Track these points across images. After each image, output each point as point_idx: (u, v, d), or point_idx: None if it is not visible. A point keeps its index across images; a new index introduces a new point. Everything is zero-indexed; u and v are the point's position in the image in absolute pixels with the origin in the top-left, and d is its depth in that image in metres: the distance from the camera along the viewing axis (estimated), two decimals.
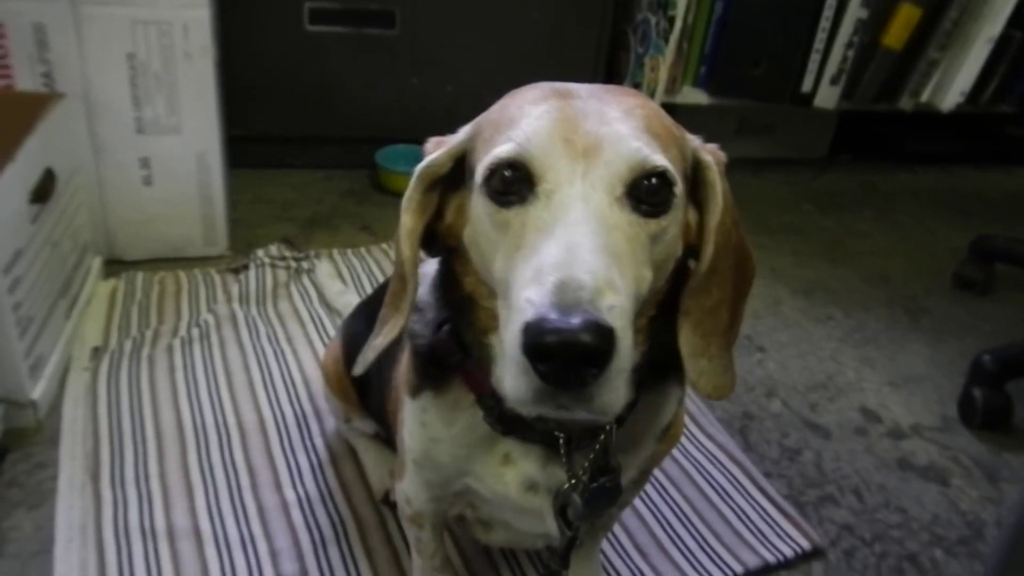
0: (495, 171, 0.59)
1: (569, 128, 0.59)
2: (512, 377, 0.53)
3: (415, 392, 0.78)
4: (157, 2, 1.54)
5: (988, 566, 0.74)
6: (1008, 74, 2.47)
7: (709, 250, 0.66)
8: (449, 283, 0.72)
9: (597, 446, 0.72)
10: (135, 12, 1.54)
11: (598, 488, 0.72)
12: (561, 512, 0.74)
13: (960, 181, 2.75)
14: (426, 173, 0.67)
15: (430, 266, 0.77)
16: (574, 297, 0.50)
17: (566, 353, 0.49)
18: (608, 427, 0.72)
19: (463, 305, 0.70)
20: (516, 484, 0.77)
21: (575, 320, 0.48)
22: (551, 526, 0.77)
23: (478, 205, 0.62)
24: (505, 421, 0.71)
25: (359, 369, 0.76)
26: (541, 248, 0.54)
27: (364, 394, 1.11)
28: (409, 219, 0.67)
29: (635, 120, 0.61)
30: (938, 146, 2.87)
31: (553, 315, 0.49)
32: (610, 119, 0.60)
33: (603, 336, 0.49)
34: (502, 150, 0.59)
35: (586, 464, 0.72)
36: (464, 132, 0.68)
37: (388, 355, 0.94)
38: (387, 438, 1.14)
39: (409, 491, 0.88)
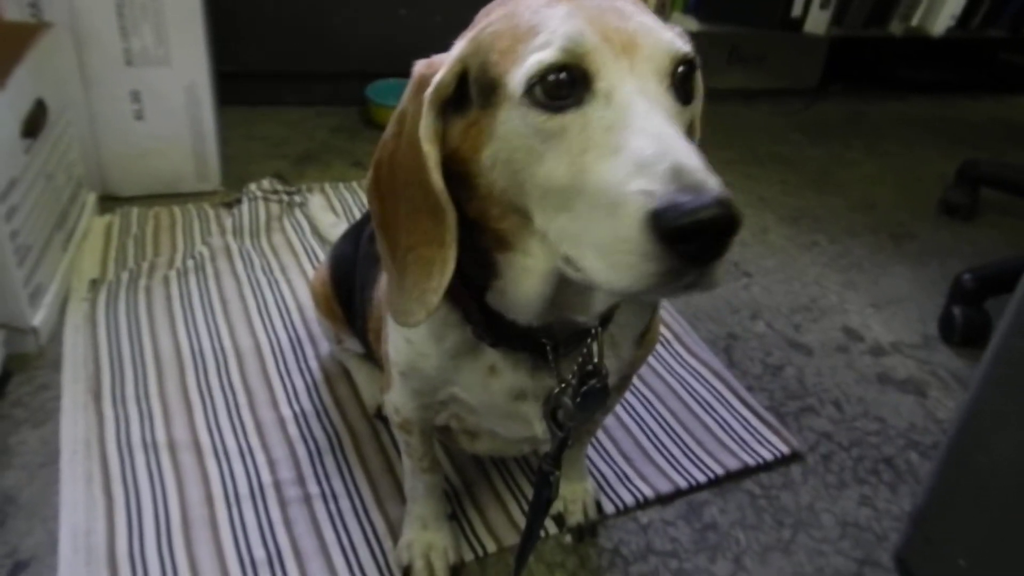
0: (542, 77, 0.57)
1: (602, 26, 0.58)
2: (624, 268, 0.52)
3: None
4: None
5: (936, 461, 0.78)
6: None
7: (697, 137, 0.69)
8: None
9: (585, 350, 0.74)
10: None
11: (588, 390, 0.74)
12: (552, 415, 0.77)
13: (951, 109, 2.75)
14: (436, 96, 0.62)
15: None
16: (693, 179, 0.50)
17: (714, 228, 0.50)
18: (594, 331, 0.74)
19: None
20: (503, 393, 0.79)
21: (709, 197, 0.49)
22: (539, 430, 0.80)
23: (514, 118, 0.59)
24: (494, 332, 0.73)
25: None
26: (628, 143, 0.54)
27: (350, 314, 1.14)
28: (431, 148, 0.62)
29: (647, 13, 0.62)
30: (930, 74, 2.86)
31: (686, 197, 0.49)
32: (629, 14, 0.60)
33: (734, 208, 0.50)
34: (546, 55, 0.56)
35: (575, 367, 0.74)
36: (461, 48, 0.63)
37: (367, 276, 0.97)
38: (370, 355, 1.16)
39: (397, 400, 0.91)
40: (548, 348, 0.73)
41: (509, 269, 0.66)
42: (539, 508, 0.82)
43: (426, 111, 0.62)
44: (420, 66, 0.66)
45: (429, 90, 0.62)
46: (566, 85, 0.57)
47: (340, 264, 1.15)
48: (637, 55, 0.57)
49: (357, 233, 1.07)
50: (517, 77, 0.57)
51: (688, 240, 0.50)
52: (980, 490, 0.74)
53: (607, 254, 0.54)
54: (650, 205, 0.50)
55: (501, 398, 0.80)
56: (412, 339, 0.79)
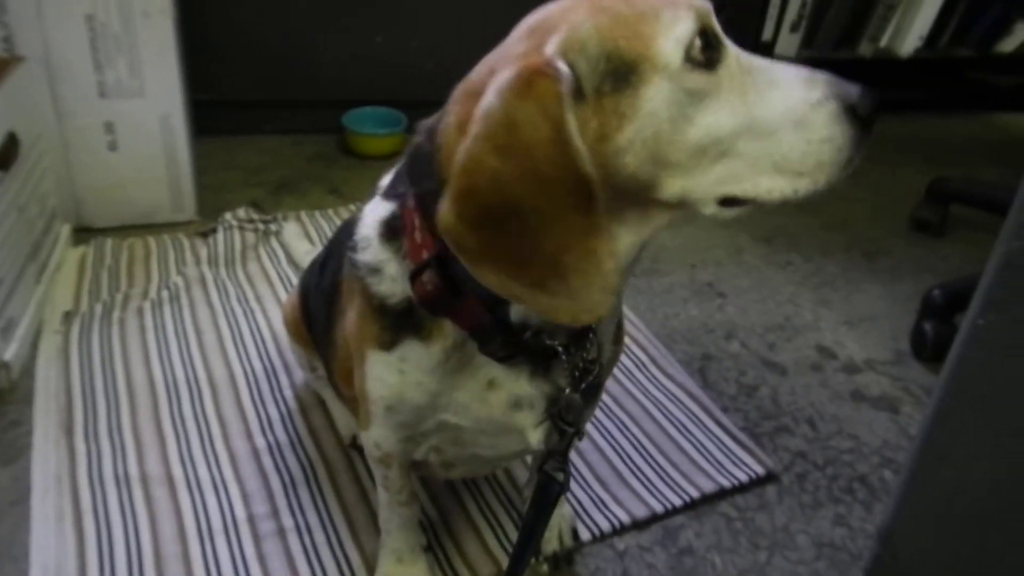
0: (691, 43, 0.62)
1: None
2: (820, 166, 0.65)
3: (389, 346, 0.78)
4: None
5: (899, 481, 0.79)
6: (965, 16, 2.50)
7: None
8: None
9: (588, 345, 0.77)
10: None
11: (588, 385, 0.77)
12: (559, 417, 0.78)
13: (923, 127, 2.79)
14: (565, 92, 0.60)
15: (367, 226, 0.77)
16: (842, 81, 0.66)
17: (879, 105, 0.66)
18: (593, 329, 0.77)
19: None
20: (501, 405, 0.80)
21: (864, 87, 0.66)
22: (533, 439, 0.81)
23: (665, 89, 0.62)
24: (509, 346, 0.74)
25: None
26: (778, 74, 0.66)
27: (318, 345, 1.13)
28: (581, 142, 0.60)
29: None
30: (902, 93, 2.91)
31: (856, 90, 0.65)
32: None
33: None
34: (687, 25, 0.62)
35: (579, 364, 0.77)
36: (557, 48, 0.62)
37: (328, 315, 0.95)
38: (339, 394, 1.13)
39: (377, 436, 0.90)
40: (560, 351, 0.75)
41: (582, 262, 0.64)
42: (545, 505, 0.81)
43: (568, 105, 0.60)
44: (512, 74, 0.60)
45: (564, 87, 0.59)
46: (709, 47, 0.63)
47: (309, 292, 1.15)
48: None
49: (322, 265, 1.07)
50: (668, 49, 0.62)
51: (872, 120, 0.65)
52: (944, 506, 0.75)
53: (794, 166, 0.65)
54: (844, 103, 0.65)
55: (499, 411, 0.80)
56: (406, 369, 0.79)
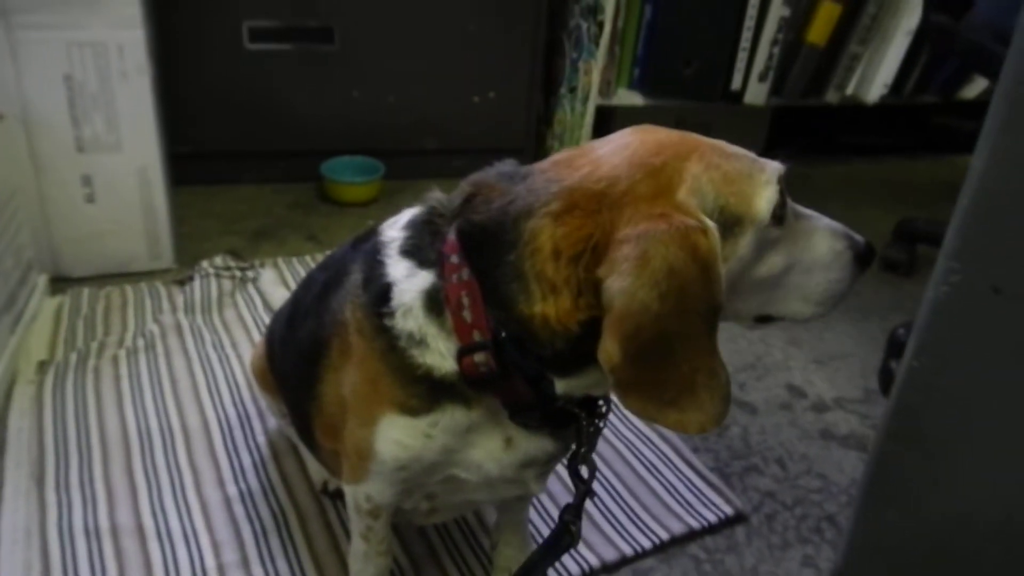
0: (776, 204, 0.75)
1: None
2: (831, 296, 0.82)
3: (418, 412, 0.80)
4: (91, 24, 1.59)
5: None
6: (928, 65, 2.58)
7: None
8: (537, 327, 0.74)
9: (599, 409, 0.85)
10: (70, 35, 1.58)
11: (594, 431, 0.85)
12: (575, 474, 0.85)
13: (891, 170, 2.86)
14: (716, 247, 0.71)
15: (408, 293, 0.79)
16: (853, 234, 0.83)
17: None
18: (605, 395, 0.86)
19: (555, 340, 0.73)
20: (514, 465, 0.84)
21: (864, 238, 0.84)
22: (536, 489, 0.91)
23: (753, 240, 0.74)
24: (547, 418, 0.81)
25: None
26: (816, 224, 0.81)
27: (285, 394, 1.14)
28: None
29: None
30: (870, 138, 2.99)
31: (861, 241, 0.83)
32: None
33: None
34: (774, 189, 0.75)
35: (598, 423, 0.85)
36: (692, 208, 0.71)
37: (308, 374, 0.94)
38: (309, 446, 1.11)
39: (371, 491, 0.91)
40: (582, 416, 0.82)
41: (709, 378, 0.73)
42: (557, 552, 0.87)
43: (718, 254, 0.70)
44: (669, 229, 0.68)
45: (716, 243, 0.69)
46: (782, 205, 0.76)
47: (273, 339, 1.16)
48: None
49: (292, 309, 1.08)
50: (763, 209, 0.74)
51: (869, 265, 0.83)
52: (893, 547, 0.76)
53: (815, 297, 0.81)
54: (859, 244, 0.82)
55: (510, 470, 0.85)
56: (434, 433, 0.81)
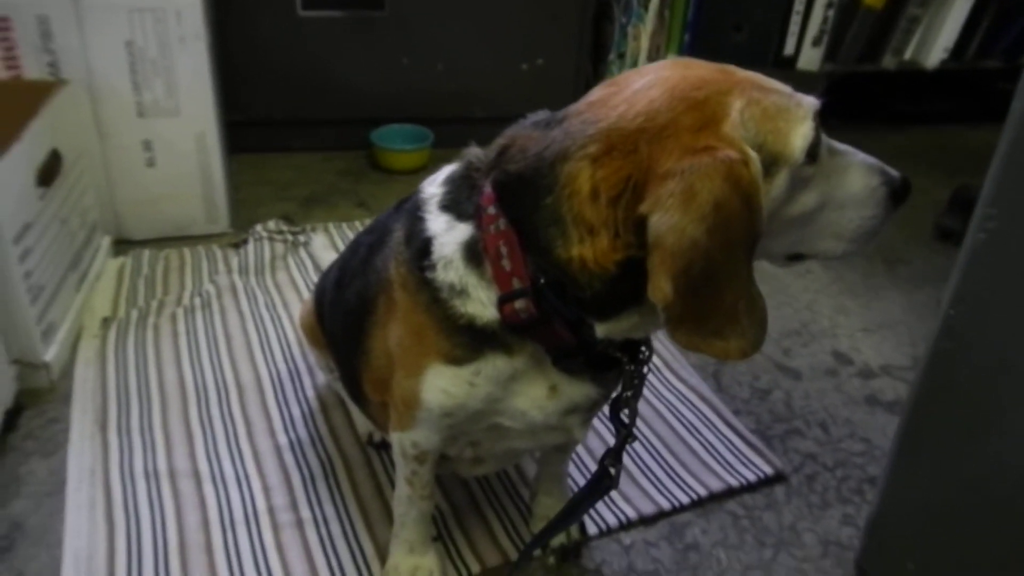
0: (811, 142, 0.74)
1: None
2: (864, 232, 0.80)
3: (462, 361, 0.83)
4: None
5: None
6: (991, 28, 2.49)
7: None
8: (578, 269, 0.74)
9: (641, 354, 0.85)
10: (131, 0, 1.64)
11: (638, 378, 0.86)
12: (616, 418, 0.87)
13: (950, 138, 2.78)
14: (759, 178, 0.72)
15: (447, 245, 0.80)
16: (889, 169, 0.82)
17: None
18: (647, 339, 0.86)
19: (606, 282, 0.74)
20: (558, 411, 0.87)
21: (901, 174, 0.82)
22: (579, 435, 0.93)
23: (787, 178, 0.73)
24: (589, 363, 0.82)
25: None
26: (850, 160, 0.80)
27: (333, 348, 1.18)
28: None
29: None
30: (928, 105, 2.90)
31: (898, 177, 0.81)
32: None
33: None
34: (810, 127, 0.74)
35: (641, 369, 0.85)
36: (737, 139, 0.71)
37: (357, 328, 0.98)
38: (355, 398, 1.15)
39: (418, 437, 0.94)
40: (625, 360, 0.83)
41: (749, 305, 0.74)
42: (596, 494, 0.90)
43: (761, 185, 0.70)
44: (714, 162, 0.68)
45: (758, 175, 0.70)
46: (816, 143, 0.75)
47: (322, 295, 1.20)
48: None
49: (340, 265, 1.12)
50: (797, 148, 0.73)
51: (903, 202, 0.81)
52: (923, 498, 0.76)
53: (848, 234, 0.80)
54: (890, 188, 0.80)
55: (554, 417, 0.87)
56: (477, 382, 0.84)
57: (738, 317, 0.71)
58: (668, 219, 0.67)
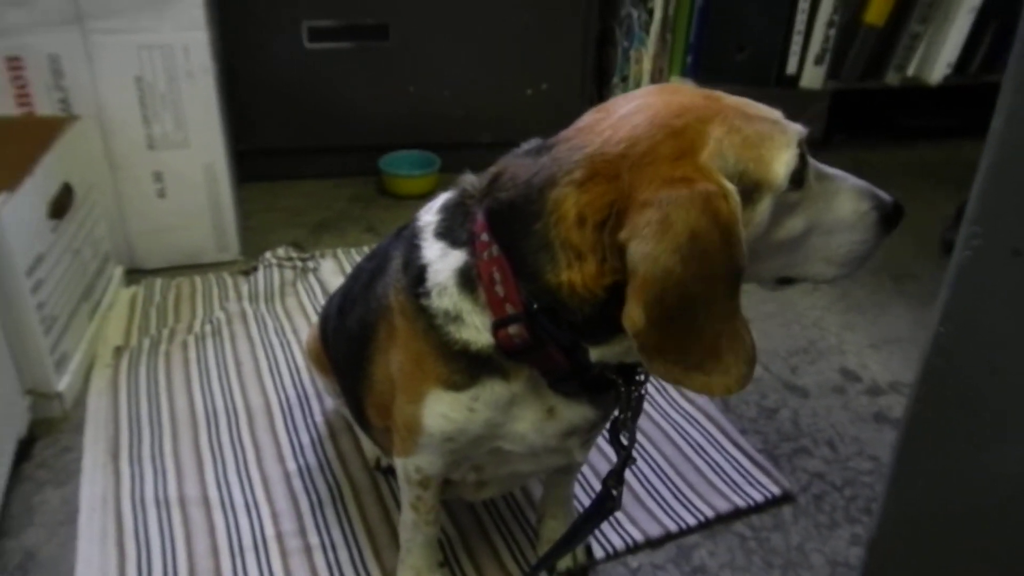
0: (794, 169, 0.74)
1: None
2: (855, 257, 0.81)
3: (461, 387, 0.84)
4: (159, 27, 1.68)
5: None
6: (995, 43, 2.49)
7: None
8: (568, 294, 0.75)
9: (638, 377, 0.85)
10: (140, 38, 1.67)
11: (635, 399, 0.86)
12: (616, 440, 0.88)
13: (956, 153, 2.77)
14: (738, 211, 0.71)
15: (442, 272, 0.82)
16: (879, 194, 0.82)
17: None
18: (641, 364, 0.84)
19: (590, 307, 0.74)
20: (557, 434, 0.87)
21: (892, 198, 0.83)
22: (579, 457, 0.94)
23: (771, 204, 0.74)
24: (580, 382, 0.83)
25: None
26: (840, 185, 0.81)
27: (339, 375, 1.19)
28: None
29: None
30: (935, 120, 2.90)
31: (889, 200, 0.82)
32: None
33: None
34: (793, 153, 0.74)
35: (636, 392, 0.85)
36: (712, 169, 0.71)
37: (359, 354, 1.00)
38: (360, 423, 1.16)
39: (421, 463, 0.95)
40: (620, 383, 0.84)
41: (732, 341, 0.74)
42: (600, 516, 0.91)
43: (740, 218, 0.70)
44: (690, 194, 0.68)
45: (737, 207, 0.70)
46: (802, 167, 0.75)
47: (326, 321, 1.22)
48: None
49: (343, 292, 1.14)
50: (780, 174, 0.73)
51: (896, 226, 0.82)
52: (923, 513, 0.76)
53: (838, 259, 0.81)
54: (886, 204, 0.81)
55: (554, 440, 0.88)
56: (476, 407, 0.85)
57: (720, 352, 0.71)
58: (643, 247, 0.68)
